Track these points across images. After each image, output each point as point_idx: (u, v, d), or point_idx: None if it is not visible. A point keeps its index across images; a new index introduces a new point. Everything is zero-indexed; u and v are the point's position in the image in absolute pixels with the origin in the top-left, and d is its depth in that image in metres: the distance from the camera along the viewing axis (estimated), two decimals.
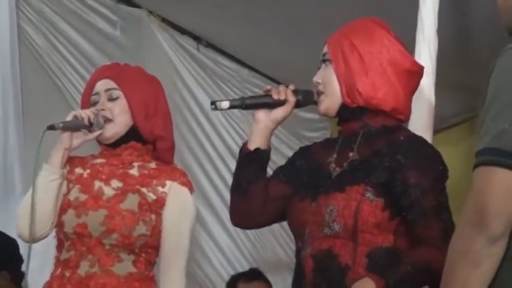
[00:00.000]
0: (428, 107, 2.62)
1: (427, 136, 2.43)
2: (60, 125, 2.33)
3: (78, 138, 2.39)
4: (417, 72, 2.12)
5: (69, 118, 2.37)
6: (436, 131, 2.75)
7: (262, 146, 2.14)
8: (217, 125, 4.26)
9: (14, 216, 3.21)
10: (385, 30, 2.09)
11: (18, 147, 3.49)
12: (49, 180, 2.36)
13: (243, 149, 2.15)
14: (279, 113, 2.13)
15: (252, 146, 2.14)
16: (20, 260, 3.22)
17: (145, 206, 2.37)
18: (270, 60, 4.19)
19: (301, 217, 2.03)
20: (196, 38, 4.17)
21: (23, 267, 3.21)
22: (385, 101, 2.05)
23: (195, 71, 4.19)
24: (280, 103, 2.13)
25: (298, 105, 2.15)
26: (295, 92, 2.14)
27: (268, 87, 2.18)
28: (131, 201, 2.37)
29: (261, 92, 2.19)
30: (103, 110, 2.41)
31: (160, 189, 2.40)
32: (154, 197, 2.39)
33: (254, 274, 3.92)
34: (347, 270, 1.94)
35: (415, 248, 1.95)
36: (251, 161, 2.13)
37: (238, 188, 2.15)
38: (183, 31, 4.12)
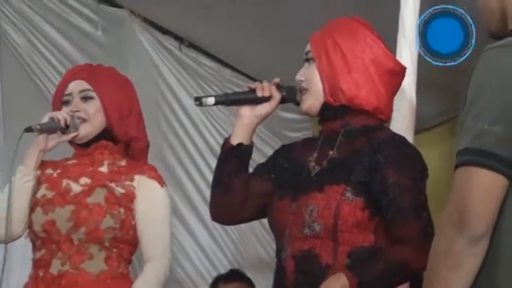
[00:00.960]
0: (410, 108, 2.63)
1: (408, 137, 2.43)
2: (38, 127, 2.33)
3: (53, 139, 2.40)
4: (399, 72, 2.13)
5: (45, 120, 2.37)
6: (417, 131, 2.76)
7: (245, 141, 2.14)
8: (199, 124, 4.26)
9: None
10: (368, 30, 2.10)
11: None
12: (23, 182, 2.36)
13: (226, 143, 2.15)
14: (264, 109, 2.14)
15: (234, 141, 2.13)
16: None
17: (112, 199, 2.36)
18: (252, 60, 4.19)
19: (281, 217, 2.03)
20: (178, 38, 4.15)
21: None
22: (367, 101, 2.05)
23: (177, 71, 4.18)
24: (265, 99, 2.13)
25: (282, 101, 2.15)
26: (279, 88, 2.14)
27: (253, 84, 2.17)
28: (98, 195, 2.37)
29: (245, 88, 2.19)
30: (78, 111, 2.41)
31: (128, 183, 2.40)
32: (122, 191, 2.39)
33: (233, 275, 3.90)
34: (328, 270, 1.94)
35: (392, 247, 1.95)
36: (234, 156, 2.13)
37: (219, 183, 2.15)
38: (164, 31, 4.11)
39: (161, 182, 2.43)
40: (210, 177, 4.16)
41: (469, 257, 1.44)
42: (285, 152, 2.18)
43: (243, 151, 2.13)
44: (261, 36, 3.90)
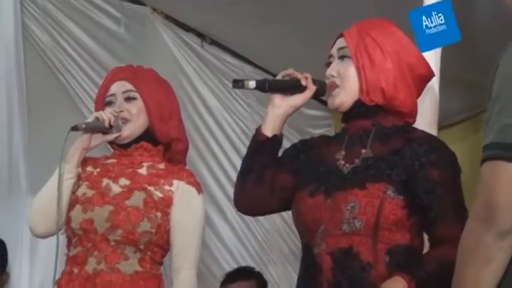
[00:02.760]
0: (433, 104, 2.62)
1: (432, 133, 2.43)
2: (83, 126, 2.37)
3: (97, 139, 2.43)
4: (429, 78, 2.13)
5: (90, 119, 2.41)
6: (440, 128, 2.75)
7: (278, 132, 2.13)
8: (221, 121, 4.26)
9: (19, 213, 3.23)
10: (402, 32, 2.10)
11: (23, 144, 3.50)
12: (65, 179, 2.38)
13: (259, 134, 2.14)
14: (298, 99, 2.12)
15: (269, 132, 2.12)
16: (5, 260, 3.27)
17: (150, 203, 2.38)
18: (274, 57, 4.19)
19: (315, 214, 2.02)
20: (201, 35, 4.17)
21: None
22: (404, 103, 2.05)
23: (199, 68, 4.19)
24: (301, 89, 2.12)
25: (315, 94, 2.15)
26: (313, 81, 2.14)
27: (289, 71, 2.14)
28: (137, 198, 2.38)
29: (279, 77, 2.18)
30: (121, 111, 2.44)
31: (167, 187, 2.42)
32: (160, 195, 2.40)
33: (235, 275, 3.85)
34: (369, 268, 1.94)
35: (438, 247, 1.95)
36: (267, 147, 2.12)
37: (251, 173, 2.13)
38: (187, 28, 4.12)
39: (199, 189, 2.45)
40: (233, 174, 4.19)
41: (498, 251, 1.44)
42: (305, 147, 2.17)
43: (277, 142, 2.13)
44: (282, 32, 3.90)
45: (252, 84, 2.11)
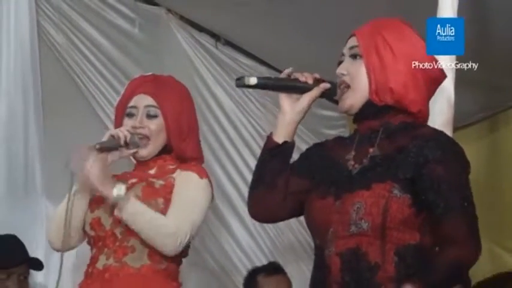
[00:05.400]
0: (448, 105, 2.62)
1: (447, 133, 2.42)
2: (97, 146, 2.38)
3: (114, 155, 2.45)
4: (442, 79, 2.12)
5: (105, 138, 2.43)
6: (456, 128, 2.75)
7: (289, 139, 2.14)
8: (235, 121, 4.27)
9: (35, 214, 3.24)
10: (415, 32, 2.09)
11: (39, 146, 3.51)
12: (81, 198, 2.43)
13: (269, 141, 2.14)
14: (304, 101, 2.12)
15: (279, 139, 2.13)
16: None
17: (150, 190, 2.42)
18: (288, 57, 4.19)
19: (325, 216, 2.01)
20: (215, 36, 4.17)
21: None
22: (414, 103, 2.04)
23: (213, 69, 4.20)
24: (307, 89, 2.11)
25: (322, 94, 2.13)
26: (320, 81, 2.13)
27: (289, 70, 2.12)
28: (136, 189, 2.43)
29: (283, 75, 2.14)
30: (141, 127, 2.47)
31: (169, 175, 2.46)
32: (163, 183, 2.44)
33: (274, 268, 3.90)
34: (377, 269, 1.93)
35: (447, 249, 1.93)
36: (278, 153, 2.12)
37: (263, 181, 2.14)
38: (201, 29, 4.13)
39: (201, 174, 2.46)
40: (247, 174, 4.20)
41: None
42: (319, 150, 2.17)
43: (287, 149, 2.13)
44: (297, 33, 3.90)
45: (253, 80, 2.08)
